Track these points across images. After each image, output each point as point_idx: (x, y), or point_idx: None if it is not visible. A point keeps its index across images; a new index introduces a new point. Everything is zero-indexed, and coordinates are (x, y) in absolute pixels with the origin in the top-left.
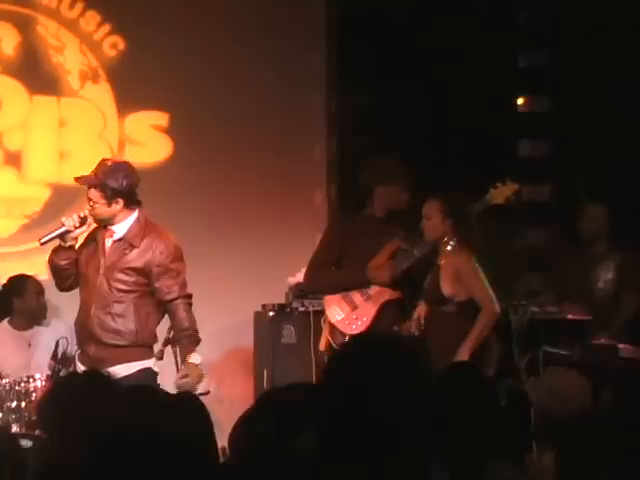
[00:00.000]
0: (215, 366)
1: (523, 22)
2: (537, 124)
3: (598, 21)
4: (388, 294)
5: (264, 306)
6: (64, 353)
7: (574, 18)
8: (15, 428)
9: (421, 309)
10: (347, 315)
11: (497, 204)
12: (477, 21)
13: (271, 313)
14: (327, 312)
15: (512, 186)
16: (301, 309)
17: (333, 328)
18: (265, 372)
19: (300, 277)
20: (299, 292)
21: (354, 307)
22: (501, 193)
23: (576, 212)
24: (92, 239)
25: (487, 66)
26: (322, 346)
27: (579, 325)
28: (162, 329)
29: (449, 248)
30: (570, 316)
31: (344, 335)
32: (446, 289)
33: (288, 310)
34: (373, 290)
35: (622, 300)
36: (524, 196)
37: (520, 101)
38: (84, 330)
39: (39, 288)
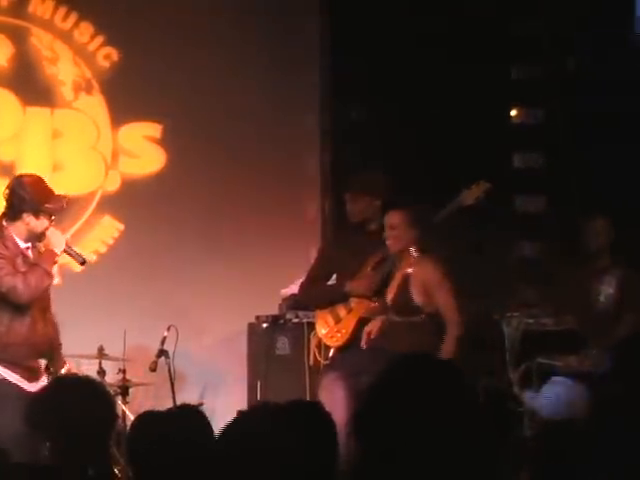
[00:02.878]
0: (209, 377)
1: (517, 34)
2: (531, 136)
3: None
4: (368, 304)
5: (258, 317)
6: None
7: (567, 30)
8: None
9: (374, 324)
10: (331, 328)
11: (468, 205)
12: (471, 34)
13: (265, 324)
14: (316, 327)
15: (484, 185)
16: (295, 320)
17: (320, 342)
18: (259, 383)
19: (293, 289)
20: (292, 304)
21: (338, 320)
22: (473, 193)
23: (571, 224)
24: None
25: (481, 79)
26: (311, 360)
27: (573, 337)
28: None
29: (414, 257)
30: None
31: (328, 348)
32: (418, 298)
33: (282, 322)
34: (353, 302)
35: (622, 321)
36: (518, 207)
37: (514, 113)
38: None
39: None
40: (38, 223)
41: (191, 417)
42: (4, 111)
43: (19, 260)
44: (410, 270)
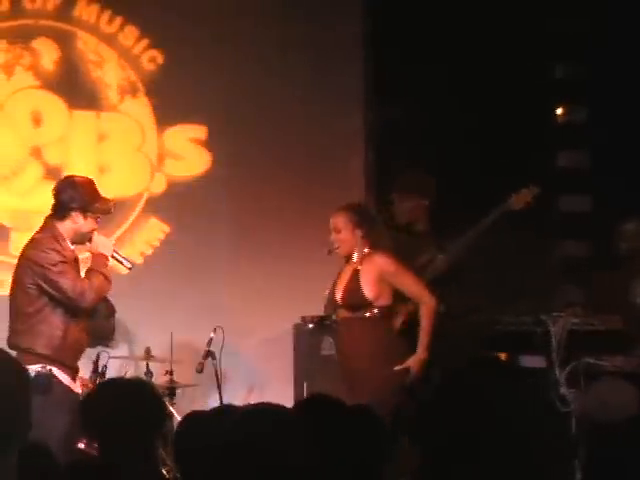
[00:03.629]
0: (255, 377)
1: (560, 32)
2: (577, 134)
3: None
4: (410, 307)
5: (303, 318)
6: (105, 366)
7: (612, 26)
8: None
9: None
10: None
11: (517, 209)
12: (513, 32)
13: (310, 325)
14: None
15: (533, 190)
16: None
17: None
18: (305, 384)
19: None
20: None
21: None
22: (522, 198)
23: (614, 226)
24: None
25: (525, 77)
26: None
27: (619, 337)
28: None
29: (364, 253)
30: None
31: None
32: (369, 293)
33: (327, 322)
34: (399, 306)
35: None
36: (562, 207)
37: (559, 112)
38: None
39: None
40: (85, 223)
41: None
42: (51, 115)
43: (73, 262)
44: (359, 266)
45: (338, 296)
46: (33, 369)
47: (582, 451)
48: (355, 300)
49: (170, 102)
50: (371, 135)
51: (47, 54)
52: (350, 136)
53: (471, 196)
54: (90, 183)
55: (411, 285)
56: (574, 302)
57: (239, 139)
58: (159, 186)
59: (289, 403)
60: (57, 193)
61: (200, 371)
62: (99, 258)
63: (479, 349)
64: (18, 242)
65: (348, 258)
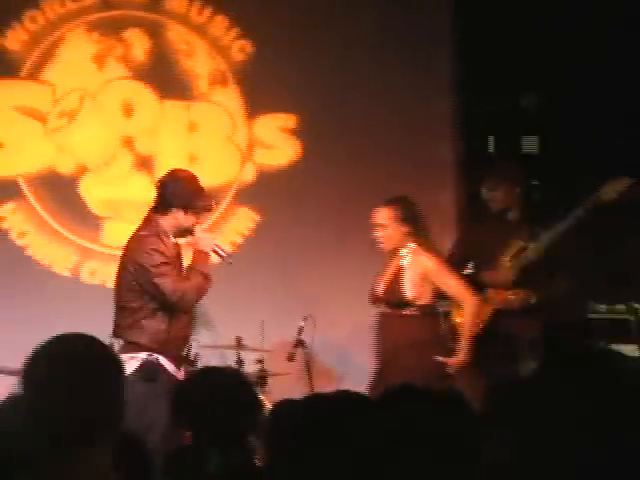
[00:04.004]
0: (346, 366)
1: None
2: None
3: None
4: (504, 295)
5: None
6: (196, 355)
7: None
8: None
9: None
10: None
11: (608, 200)
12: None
13: None
14: (451, 313)
15: (624, 181)
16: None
17: (455, 328)
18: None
19: None
20: None
21: None
22: (612, 189)
23: None
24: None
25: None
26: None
27: None
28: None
29: (410, 248)
30: None
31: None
32: (410, 292)
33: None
34: (490, 292)
35: None
36: None
37: None
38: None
39: None
40: (186, 219)
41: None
42: (142, 105)
43: (175, 257)
44: (404, 262)
45: (380, 291)
46: (140, 357)
47: None
48: (395, 298)
49: (259, 91)
50: (462, 123)
51: (138, 45)
52: (440, 124)
53: (565, 184)
54: (193, 179)
55: (454, 286)
56: None
57: (328, 128)
58: (249, 175)
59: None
60: (160, 187)
61: (291, 360)
62: (200, 255)
63: (573, 339)
64: (110, 232)
65: (393, 253)
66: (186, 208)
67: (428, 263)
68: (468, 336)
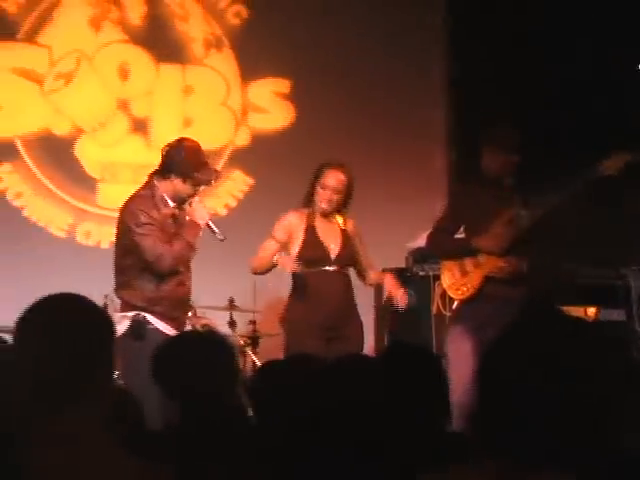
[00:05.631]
0: None
1: None
2: None
3: None
4: (496, 262)
5: (384, 270)
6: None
7: None
8: None
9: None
10: (457, 281)
11: (607, 175)
12: None
13: (390, 276)
14: (442, 277)
15: (624, 156)
16: (421, 273)
17: (445, 292)
18: (386, 334)
19: (420, 242)
20: (418, 257)
21: (464, 274)
22: (614, 164)
23: None
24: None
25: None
26: (434, 309)
27: None
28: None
29: (344, 217)
30: None
31: (452, 300)
32: (359, 254)
33: (408, 274)
34: (482, 257)
35: None
36: None
37: None
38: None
39: None
40: (183, 188)
41: (308, 366)
42: (138, 68)
43: (169, 221)
44: (346, 227)
45: (334, 252)
46: (129, 316)
47: None
48: (347, 258)
49: (254, 56)
50: (453, 88)
51: (134, 9)
52: (434, 89)
53: (558, 152)
54: (198, 150)
55: (368, 254)
56: None
57: (322, 93)
58: (243, 139)
59: (370, 353)
60: (164, 153)
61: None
62: (191, 225)
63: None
64: (105, 194)
65: (327, 217)
66: (185, 178)
67: (359, 230)
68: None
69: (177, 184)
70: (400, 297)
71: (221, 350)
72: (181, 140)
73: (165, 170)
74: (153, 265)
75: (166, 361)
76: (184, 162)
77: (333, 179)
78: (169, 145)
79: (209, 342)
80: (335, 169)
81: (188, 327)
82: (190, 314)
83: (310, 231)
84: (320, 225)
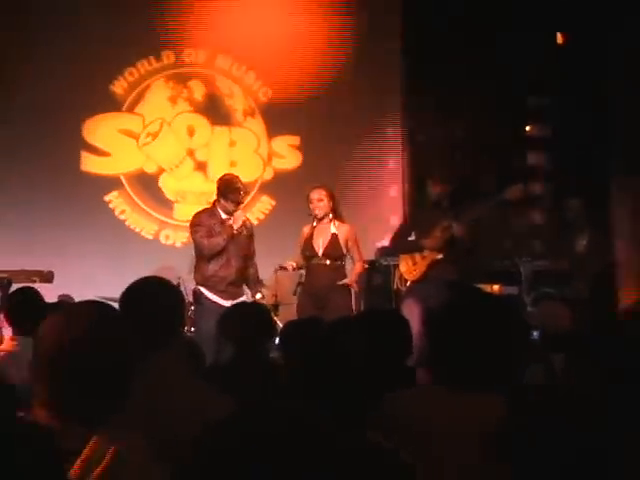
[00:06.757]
0: None
1: None
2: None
3: None
4: (434, 255)
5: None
6: None
7: None
8: None
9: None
10: (409, 267)
11: (510, 200)
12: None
13: (366, 266)
14: (399, 265)
15: (520, 186)
16: (385, 263)
17: (401, 275)
18: (362, 302)
19: (384, 242)
20: (384, 252)
21: (415, 263)
22: (513, 193)
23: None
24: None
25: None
26: (395, 287)
27: (563, 274)
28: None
29: (336, 223)
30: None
31: (406, 280)
32: (343, 249)
33: (377, 264)
34: (426, 252)
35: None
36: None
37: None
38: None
39: None
40: (226, 205)
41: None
42: (200, 129)
43: (217, 226)
44: (336, 231)
45: (320, 249)
46: (193, 289)
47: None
48: (334, 253)
49: (276, 121)
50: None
51: (198, 90)
52: (393, 144)
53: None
54: (232, 180)
55: (359, 251)
56: (538, 252)
57: (321, 145)
58: (269, 175)
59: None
60: (217, 184)
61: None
62: (227, 228)
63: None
64: (178, 211)
65: (320, 219)
66: (225, 198)
67: (350, 233)
68: (352, 281)
69: (222, 202)
70: (353, 284)
71: (262, 312)
72: (223, 175)
73: (217, 194)
74: (199, 250)
75: (228, 319)
76: (223, 188)
77: (315, 194)
78: (219, 179)
79: (255, 307)
80: (315, 187)
81: (243, 298)
82: (259, 295)
83: (309, 236)
84: (317, 231)
